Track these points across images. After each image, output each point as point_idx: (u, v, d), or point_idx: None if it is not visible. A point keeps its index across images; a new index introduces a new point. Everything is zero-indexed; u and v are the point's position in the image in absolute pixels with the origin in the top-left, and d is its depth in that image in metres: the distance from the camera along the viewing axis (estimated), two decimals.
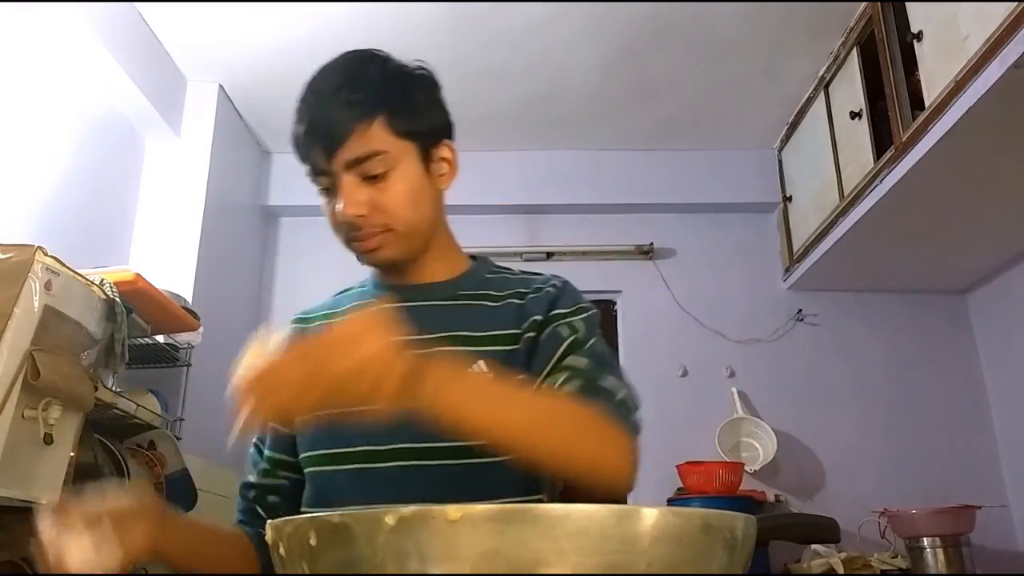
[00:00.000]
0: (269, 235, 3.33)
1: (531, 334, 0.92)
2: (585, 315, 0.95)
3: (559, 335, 0.91)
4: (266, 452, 0.99)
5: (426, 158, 0.92)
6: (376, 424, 0.67)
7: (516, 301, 0.96)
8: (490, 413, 0.74)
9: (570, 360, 0.89)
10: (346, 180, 0.86)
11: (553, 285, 0.97)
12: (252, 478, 0.99)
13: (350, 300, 1.03)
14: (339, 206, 0.87)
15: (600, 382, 0.87)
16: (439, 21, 2.52)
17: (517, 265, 0.98)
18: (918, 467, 2.93)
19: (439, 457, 0.87)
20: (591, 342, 0.92)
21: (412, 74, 0.94)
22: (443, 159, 0.94)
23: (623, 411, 0.85)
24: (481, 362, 0.90)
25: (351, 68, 0.91)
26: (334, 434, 0.90)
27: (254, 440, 1.00)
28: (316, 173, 0.89)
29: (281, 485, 0.97)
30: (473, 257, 1.03)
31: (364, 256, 0.93)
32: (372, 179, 0.87)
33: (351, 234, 0.90)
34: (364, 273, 1.06)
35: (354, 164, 0.86)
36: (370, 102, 0.87)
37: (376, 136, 0.86)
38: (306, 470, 0.94)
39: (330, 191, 0.90)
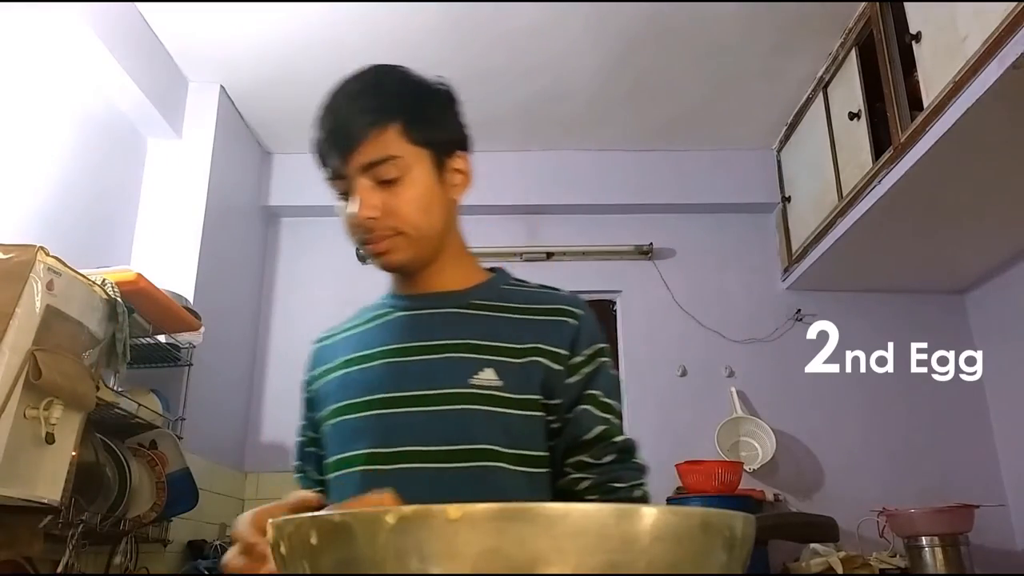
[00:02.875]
0: (270, 235, 3.33)
1: (547, 363, 0.92)
2: (602, 360, 0.95)
3: (591, 414, 0.92)
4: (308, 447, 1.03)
5: (440, 167, 0.94)
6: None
7: (535, 317, 0.95)
8: None
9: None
10: (360, 183, 0.89)
11: (574, 316, 0.96)
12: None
13: (370, 312, 1.05)
14: (352, 208, 0.90)
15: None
16: (441, 22, 2.52)
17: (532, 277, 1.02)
18: (917, 466, 2.94)
19: (442, 460, 0.88)
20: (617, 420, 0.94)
21: (429, 86, 0.97)
22: (457, 170, 0.96)
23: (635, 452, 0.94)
24: (489, 370, 0.91)
25: (370, 78, 0.95)
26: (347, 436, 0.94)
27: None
28: (333, 177, 0.92)
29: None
30: (492, 270, 1.05)
31: (375, 259, 0.95)
32: (386, 184, 0.89)
33: (363, 237, 0.92)
34: (366, 282, 1.07)
35: (368, 168, 0.88)
36: (385, 109, 0.90)
37: (390, 141, 0.89)
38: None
39: (346, 196, 0.92)
